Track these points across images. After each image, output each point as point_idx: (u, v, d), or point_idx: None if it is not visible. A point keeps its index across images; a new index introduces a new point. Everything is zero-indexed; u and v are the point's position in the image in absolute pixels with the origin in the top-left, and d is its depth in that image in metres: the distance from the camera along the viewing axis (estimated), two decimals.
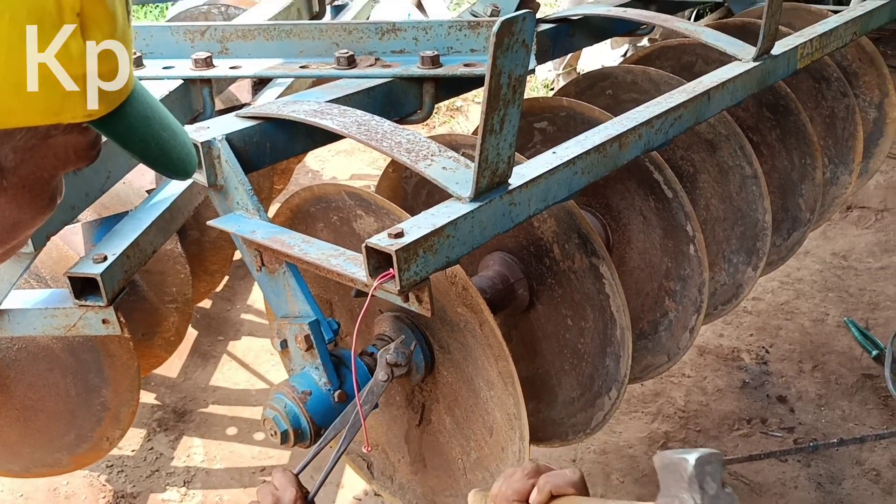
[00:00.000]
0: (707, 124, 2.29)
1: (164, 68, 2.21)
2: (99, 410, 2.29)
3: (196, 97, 2.27)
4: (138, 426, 3.54)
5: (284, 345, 1.67)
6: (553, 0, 7.23)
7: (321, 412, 1.60)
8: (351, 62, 2.09)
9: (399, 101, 2.09)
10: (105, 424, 2.32)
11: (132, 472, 3.36)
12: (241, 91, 3.38)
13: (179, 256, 2.68)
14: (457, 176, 1.46)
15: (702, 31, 2.40)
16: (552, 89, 6.63)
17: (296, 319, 1.63)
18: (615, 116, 1.90)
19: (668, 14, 2.89)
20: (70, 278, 1.89)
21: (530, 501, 1.09)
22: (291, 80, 2.81)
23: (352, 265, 1.41)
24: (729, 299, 2.53)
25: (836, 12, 2.79)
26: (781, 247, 2.77)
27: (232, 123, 1.76)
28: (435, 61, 2.04)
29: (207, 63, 2.18)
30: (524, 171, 1.54)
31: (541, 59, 2.57)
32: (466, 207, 1.40)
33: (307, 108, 1.78)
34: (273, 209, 3.62)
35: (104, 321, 1.93)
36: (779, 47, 2.29)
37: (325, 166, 5.96)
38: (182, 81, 2.21)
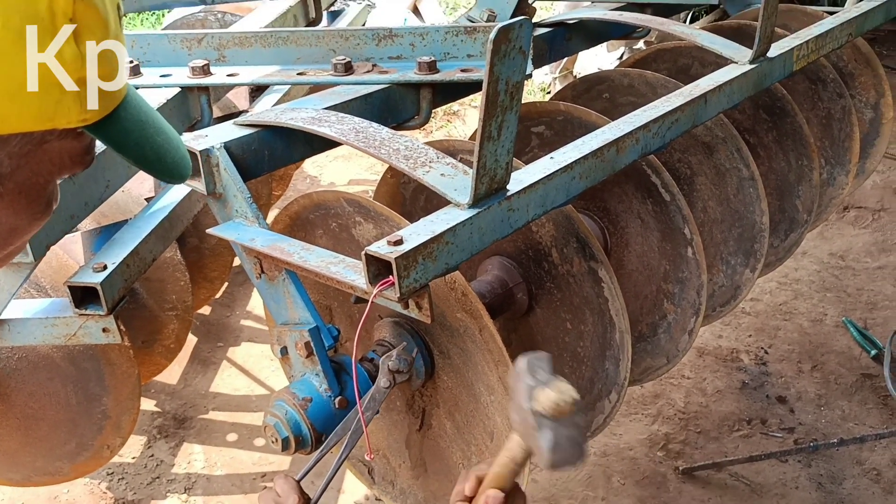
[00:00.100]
0: (704, 127, 2.30)
1: (162, 76, 2.22)
2: (100, 418, 2.30)
3: (194, 105, 2.27)
4: (138, 433, 3.54)
5: (285, 351, 1.67)
6: (549, 4, 7.24)
7: (322, 419, 1.60)
8: (348, 69, 2.09)
9: (396, 107, 2.10)
10: (106, 432, 2.32)
11: (133, 480, 3.36)
12: (239, 98, 3.38)
13: (179, 264, 2.69)
14: (455, 182, 1.47)
15: (698, 34, 2.40)
16: (549, 93, 6.65)
17: (296, 326, 1.63)
18: (612, 120, 1.91)
19: (664, 17, 2.90)
20: (70, 287, 1.89)
21: None
22: (288, 86, 2.81)
23: (351, 272, 1.42)
24: (727, 301, 2.54)
25: (831, 13, 2.80)
26: (779, 248, 2.78)
27: (230, 131, 1.77)
28: (432, 67, 2.05)
29: (205, 71, 2.18)
30: (522, 177, 1.54)
31: (537, 64, 2.58)
32: (465, 214, 1.40)
33: (305, 115, 1.79)
34: (272, 215, 3.63)
35: (104, 330, 1.93)
36: (775, 49, 2.30)
37: (323, 171, 5.96)
38: (179, 89, 2.21)
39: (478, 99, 1.36)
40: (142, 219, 2.18)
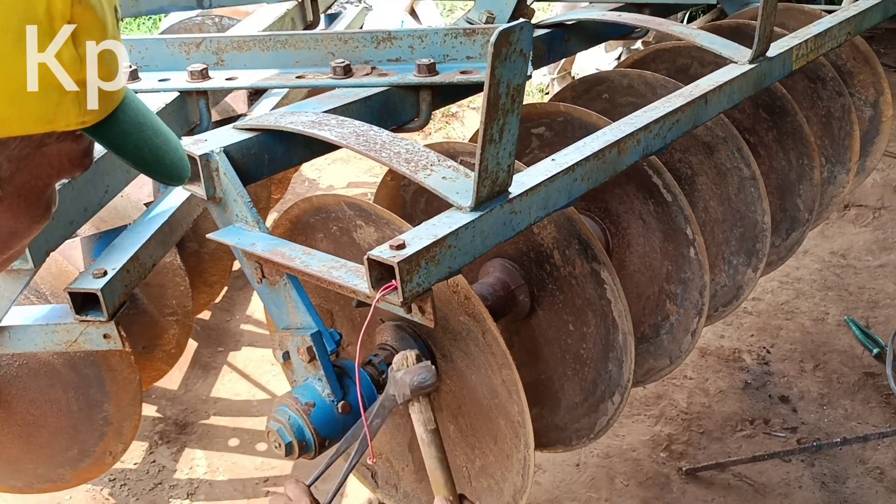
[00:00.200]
0: (704, 127, 2.29)
1: (160, 81, 2.21)
2: (101, 425, 2.29)
3: (192, 109, 2.27)
4: (140, 439, 3.53)
5: (287, 356, 1.67)
6: (547, 4, 7.24)
7: (325, 423, 1.60)
8: (347, 72, 2.09)
9: (396, 109, 2.09)
10: (108, 439, 2.31)
11: (135, 486, 3.35)
12: (237, 102, 3.38)
13: (179, 269, 2.68)
14: (457, 185, 1.46)
15: (697, 34, 2.40)
16: (547, 94, 6.65)
17: (298, 331, 1.63)
18: (612, 121, 1.90)
19: (662, 17, 2.89)
20: (70, 294, 1.89)
21: None
22: (287, 90, 2.81)
23: (354, 277, 1.41)
24: (730, 301, 2.53)
25: (829, 12, 2.79)
26: (780, 247, 2.77)
27: (230, 135, 1.76)
28: (431, 69, 2.04)
29: (203, 75, 2.17)
30: (524, 180, 1.54)
31: (536, 65, 2.57)
32: (467, 217, 1.40)
33: (305, 118, 1.78)
34: (270, 219, 3.63)
35: (105, 336, 1.93)
36: (774, 49, 2.30)
37: (321, 175, 5.96)
38: (178, 94, 2.21)
39: (476, 100, 1.36)
40: (141, 224, 2.18)
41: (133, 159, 0.82)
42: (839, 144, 2.96)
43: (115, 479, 3.36)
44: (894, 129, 3.33)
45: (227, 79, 2.20)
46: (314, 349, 1.58)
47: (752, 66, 2.20)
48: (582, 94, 2.55)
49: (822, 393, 3.74)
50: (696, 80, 2.14)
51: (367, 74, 2.10)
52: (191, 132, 2.26)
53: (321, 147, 1.85)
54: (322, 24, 3.61)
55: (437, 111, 2.19)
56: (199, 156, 1.64)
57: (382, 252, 1.30)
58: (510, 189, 1.48)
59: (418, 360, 1.47)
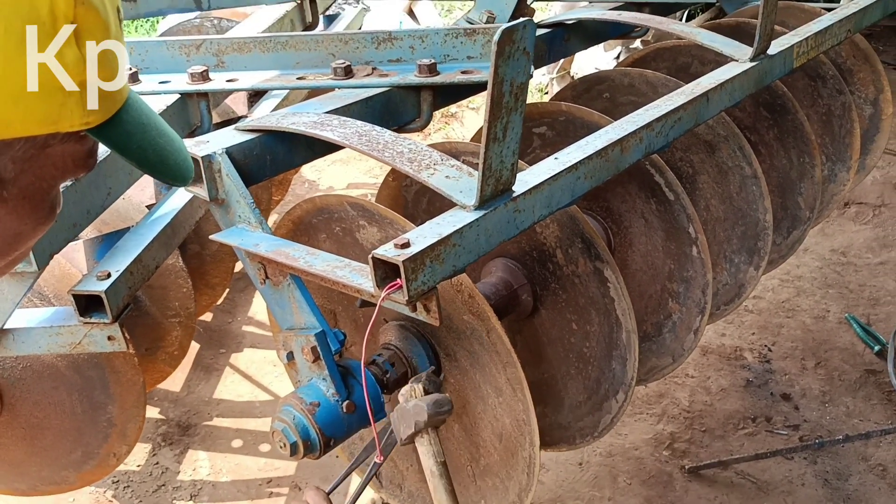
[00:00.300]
0: (705, 125, 2.29)
1: (161, 83, 2.21)
2: (105, 427, 2.29)
3: (193, 111, 2.27)
4: (143, 441, 3.53)
5: (291, 357, 1.67)
6: (546, 4, 7.25)
7: (330, 423, 1.60)
8: (348, 72, 2.09)
9: (397, 109, 2.09)
10: (111, 441, 2.32)
11: (138, 488, 3.35)
12: (237, 104, 3.38)
13: (181, 271, 2.68)
14: (460, 184, 1.46)
15: (697, 33, 2.40)
16: (546, 93, 6.65)
17: (301, 331, 1.63)
18: (614, 120, 1.90)
19: (662, 16, 2.89)
20: (74, 296, 1.89)
21: None
22: (287, 91, 2.81)
23: (358, 276, 1.41)
24: (732, 299, 2.53)
25: (828, 10, 2.80)
26: (782, 245, 2.78)
27: (231, 137, 1.76)
28: (432, 69, 2.04)
29: (204, 77, 2.18)
30: (527, 178, 1.54)
31: (536, 65, 2.57)
32: (471, 216, 1.40)
33: (307, 119, 1.78)
34: (271, 220, 3.63)
35: (109, 338, 1.93)
36: (775, 47, 2.30)
37: (321, 176, 5.96)
38: (179, 96, 2.21)
39: (475, 101, 1.36)
40: (144, 226, 2.18)
41: (137, 160, 0.82)
42: (840, 142, 2.97)
43: (118, 481, 3.36)
44: (894, 127, 3.34)
45: (227, 80, 2.20)
46: (318, 349, 1.58)
47: (753, 64, 2.20)
48: (583, 93, 2.55)
49: (824, 390, 3.75)
50: (697, 78, 2.14)
51: (367, 75, 2.10)
52: (192, 134, 2.26)
53: (323, 148, 1.85)
54: (321, 26, 3.61)
55: (436, 112, 2.19)
56: (202, 157, 1.64)
57: (387, 251, 1.30)
58: (514, 187, 1.48)
59: (426, 392, 1.47)
